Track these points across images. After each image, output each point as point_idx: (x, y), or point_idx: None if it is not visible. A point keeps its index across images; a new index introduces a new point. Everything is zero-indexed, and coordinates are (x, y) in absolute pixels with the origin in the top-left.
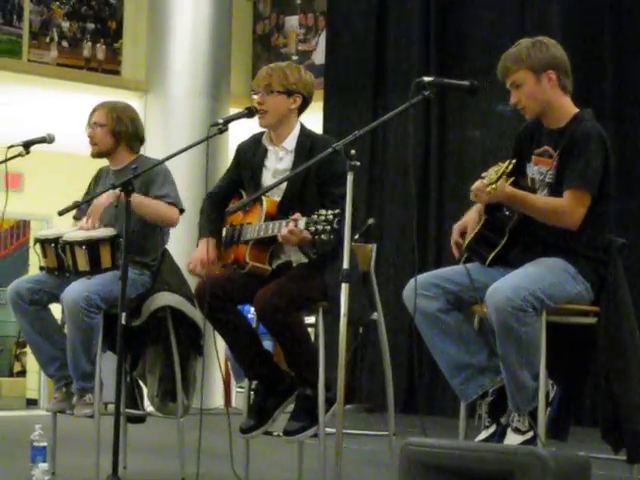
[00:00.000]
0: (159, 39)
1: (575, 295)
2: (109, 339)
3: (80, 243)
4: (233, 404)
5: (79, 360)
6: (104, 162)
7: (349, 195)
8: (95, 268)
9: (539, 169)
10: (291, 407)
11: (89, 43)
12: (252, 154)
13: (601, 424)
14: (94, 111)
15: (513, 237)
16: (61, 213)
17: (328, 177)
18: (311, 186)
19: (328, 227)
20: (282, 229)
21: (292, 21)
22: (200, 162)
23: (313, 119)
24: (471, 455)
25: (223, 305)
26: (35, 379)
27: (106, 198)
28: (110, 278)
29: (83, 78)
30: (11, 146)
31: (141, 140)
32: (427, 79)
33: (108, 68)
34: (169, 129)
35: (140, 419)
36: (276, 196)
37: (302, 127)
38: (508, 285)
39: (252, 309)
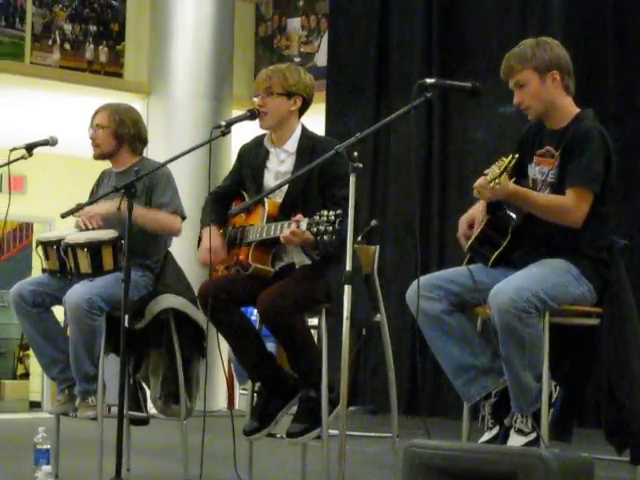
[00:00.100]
0: (161, 41)
1: (578, 296)
2: (112, 341)
3: (82, 245)
4: (236, 406)
5: (82, 362)
6: (107, 164)
7: (352, 197)
8: (97, 270)
9: (541, 169)
10: (294, 409)
11: (91, 45)
12: (254, 156)
13: (604, 425)
14: (96, 113)
15: (516, 237)
16: (64, 216)
17: (330, 179)
18: (313, 188)
19: (330, 228)
20: (284, 230)
21: (294, 23)
22: (202, 164)
23: (315, 121)
24: (474, 457)
25: (226, 307)
26: (38, 382)
27: (105, 209)
28: (112, 280)
29: (86, 80)
30: (14, 149)
31: (143, 142)
32: (429, 81)
33: (110, 70)
34: (171, 131)
35: (143, 421)
36: (278, 198)
37: (303, 129)
38: (511, 286)
39: (255, 311)
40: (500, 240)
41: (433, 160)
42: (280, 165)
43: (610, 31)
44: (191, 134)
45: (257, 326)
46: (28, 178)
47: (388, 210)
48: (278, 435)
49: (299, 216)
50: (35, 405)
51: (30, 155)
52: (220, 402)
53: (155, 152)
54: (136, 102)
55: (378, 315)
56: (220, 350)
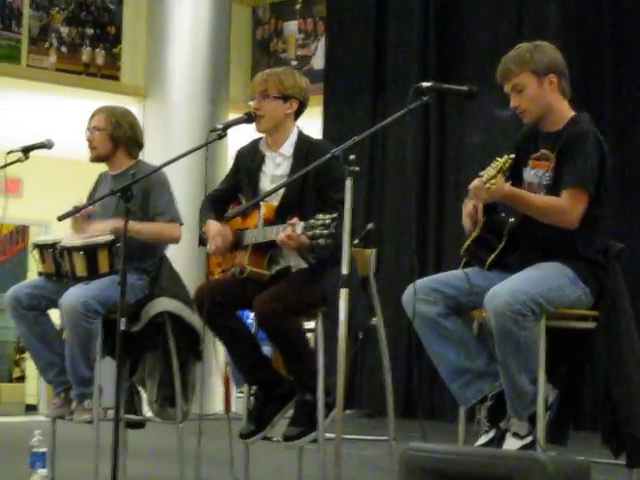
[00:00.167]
0: (158, 44)
1: (574, 300)
2: (108, 344)
3: (78, 248)
4: (233, 409)
5: (78, 365)
6: (103, 167)
7: (348, 200)
8: (93, 273)
9: (536, 172)
10: (291, 412)
11: (88, 48)
12: (250, 160)
13: (601, 428)
14: (93, 115)
15: (512, 240)
16: (60, 218)
17: (326, 182)
18: (309, 191)
19: (326, 231)
20: (280, 234)
21: (291, 26)
22: (199, 168)
23: (312, 124)
24: (470, 460)
25: (222, 310)
26: (34, 385)
27: (101, 229)
28: (108, 283)
29: (82, 83)
30: (10, 151)
31: (140, 145)
32: (426, 84)
33: (107, 73)
34: (168, 134)
35: (139, 424)
36: (274, 201)
37: (299, 132)
38: (507, 289)
39: (251, 314)
40: (496, 243)
41: (430, 163)
42: (276, 169)
43: (608, 31)
44: (187, 137)
45: (253, 329)
46: (24, 181)
47: (385, 213)
48: (274, 438)
49: (295, 219)
50: (31, 408)
51: (26, 158)
52: (216, 405)
53: (151, 155)
54: (133, 105)
55: (374, 318)
56: (216, 353)
